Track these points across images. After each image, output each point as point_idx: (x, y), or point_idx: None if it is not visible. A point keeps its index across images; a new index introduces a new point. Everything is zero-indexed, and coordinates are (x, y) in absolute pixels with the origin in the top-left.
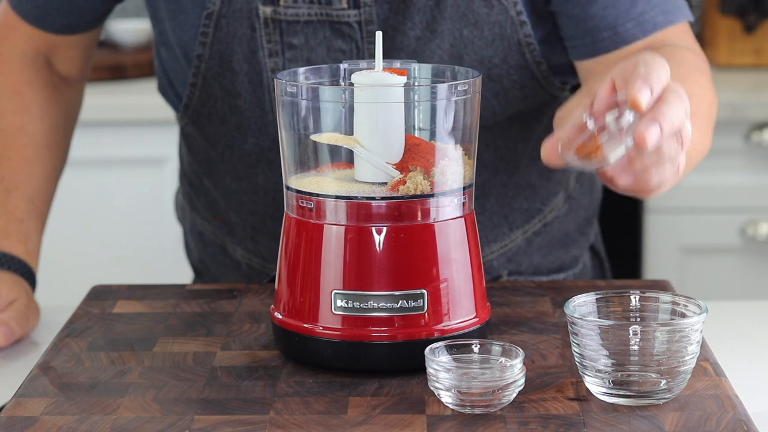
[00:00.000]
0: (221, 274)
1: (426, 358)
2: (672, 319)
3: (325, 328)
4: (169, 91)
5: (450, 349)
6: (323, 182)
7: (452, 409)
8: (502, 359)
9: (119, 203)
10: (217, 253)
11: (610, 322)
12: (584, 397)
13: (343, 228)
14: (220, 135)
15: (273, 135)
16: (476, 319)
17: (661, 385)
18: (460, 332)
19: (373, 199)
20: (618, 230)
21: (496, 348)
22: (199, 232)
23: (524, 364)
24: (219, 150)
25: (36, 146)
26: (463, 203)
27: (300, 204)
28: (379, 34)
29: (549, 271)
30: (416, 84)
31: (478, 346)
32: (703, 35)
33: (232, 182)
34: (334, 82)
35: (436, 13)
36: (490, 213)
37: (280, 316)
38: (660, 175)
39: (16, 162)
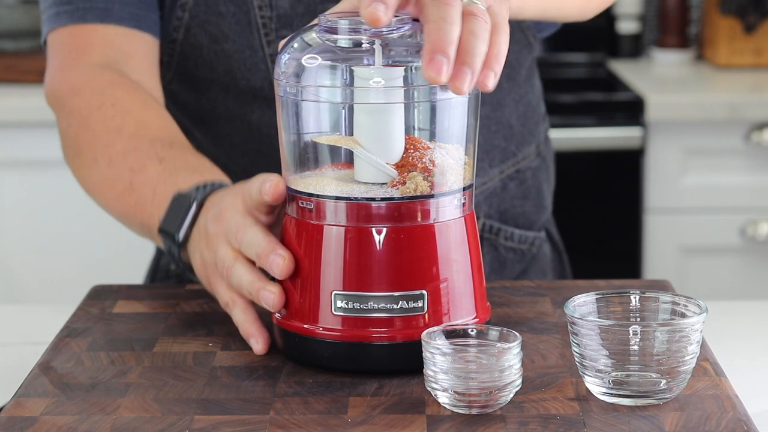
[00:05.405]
0: None
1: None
2: (672, 319)
3: (325, 328)
4: None
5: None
6: (323, 183)
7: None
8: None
9: None
10: None
11: (610, 322)
12: (584, 397)
13: (342, 229)
14: (209, 83)
15: (265, 73)
16: (476, 320)
17: (661, 385)
18: None
19: (373, 199)
20: (618, 230)
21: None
22: None
23: (523, 364)
24: (211, 96)
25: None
26: (463, 204)
27: (300, 205)
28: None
29: (518, 225)
30: (416, 84)
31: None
32: (703, 35)
33: (225, 124)
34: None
35: None
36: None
37: (279, 317)
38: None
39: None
